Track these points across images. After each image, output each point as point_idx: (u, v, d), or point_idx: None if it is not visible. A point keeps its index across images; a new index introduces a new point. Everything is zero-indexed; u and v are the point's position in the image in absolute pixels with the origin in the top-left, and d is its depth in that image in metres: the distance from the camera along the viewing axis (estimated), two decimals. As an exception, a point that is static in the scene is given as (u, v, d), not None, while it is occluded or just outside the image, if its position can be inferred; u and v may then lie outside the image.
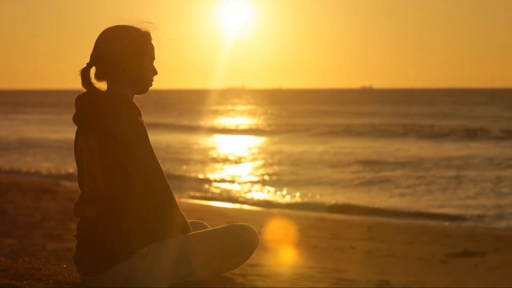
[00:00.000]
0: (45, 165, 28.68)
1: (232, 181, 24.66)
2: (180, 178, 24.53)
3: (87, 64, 3.59)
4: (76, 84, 3.59)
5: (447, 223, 17.04)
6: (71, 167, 26.81)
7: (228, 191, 22.24)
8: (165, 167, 3.62)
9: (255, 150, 36.44)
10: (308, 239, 13.56)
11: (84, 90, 3.59)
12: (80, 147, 3.57)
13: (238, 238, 3.64)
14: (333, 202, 19.64)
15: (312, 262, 11.18)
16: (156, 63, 3.65)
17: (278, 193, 21.93)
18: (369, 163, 28.71)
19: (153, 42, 3.64)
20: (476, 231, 15.66)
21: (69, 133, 44.05)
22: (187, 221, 3.63)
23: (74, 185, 18.83)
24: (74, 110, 3.60)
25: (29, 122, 61.06)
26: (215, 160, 31.71)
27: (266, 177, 25.47)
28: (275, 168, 28.31)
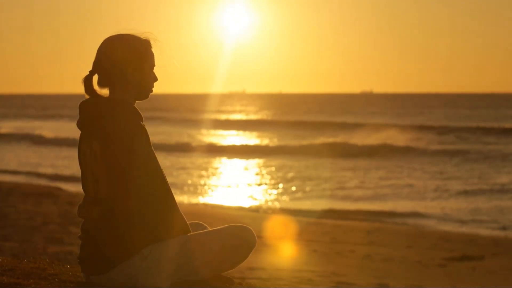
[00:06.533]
0: (47, 169, 28.73)
1: (232, 186, 24.73)
2: (181, 183, 24.60)
3: (90, 72, 3.69)
4: (77, 89, 3.68)
5: (446, 227, 17.07)
6: (73, 171, 26.86)
7: (229, 195, 22.30)
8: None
9: (257, 161, 36.48)
10: (308, 243, 13.60)
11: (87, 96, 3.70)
12: (83, 151, 3.67)
13: (236, 238, 3.73)
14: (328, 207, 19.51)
15: (311, 265, 11.22)
16: (156, 69, 3.76)
17: (279, 196, 21.99)
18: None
19: (153, 49, 3.75)
20: (475, 235, 15.68)
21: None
22: (187, 222, 3.72)
23: (75, 189, 18.89)
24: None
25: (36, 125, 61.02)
26: (219, 172, 31.74)
27: (266, 182, 25.52)
28: (276, 174, 28.36)
